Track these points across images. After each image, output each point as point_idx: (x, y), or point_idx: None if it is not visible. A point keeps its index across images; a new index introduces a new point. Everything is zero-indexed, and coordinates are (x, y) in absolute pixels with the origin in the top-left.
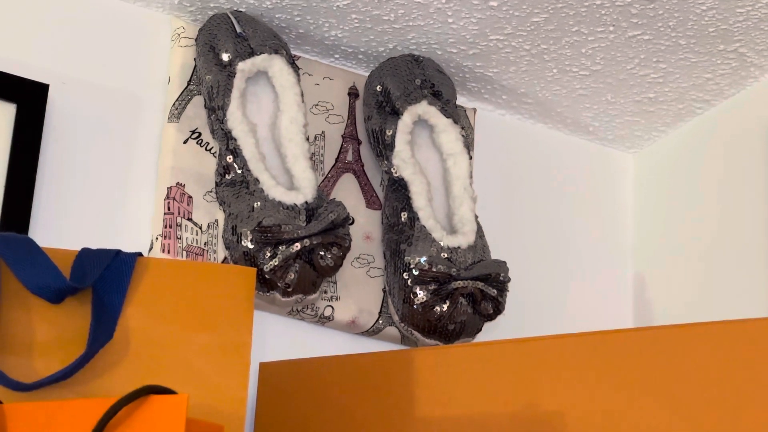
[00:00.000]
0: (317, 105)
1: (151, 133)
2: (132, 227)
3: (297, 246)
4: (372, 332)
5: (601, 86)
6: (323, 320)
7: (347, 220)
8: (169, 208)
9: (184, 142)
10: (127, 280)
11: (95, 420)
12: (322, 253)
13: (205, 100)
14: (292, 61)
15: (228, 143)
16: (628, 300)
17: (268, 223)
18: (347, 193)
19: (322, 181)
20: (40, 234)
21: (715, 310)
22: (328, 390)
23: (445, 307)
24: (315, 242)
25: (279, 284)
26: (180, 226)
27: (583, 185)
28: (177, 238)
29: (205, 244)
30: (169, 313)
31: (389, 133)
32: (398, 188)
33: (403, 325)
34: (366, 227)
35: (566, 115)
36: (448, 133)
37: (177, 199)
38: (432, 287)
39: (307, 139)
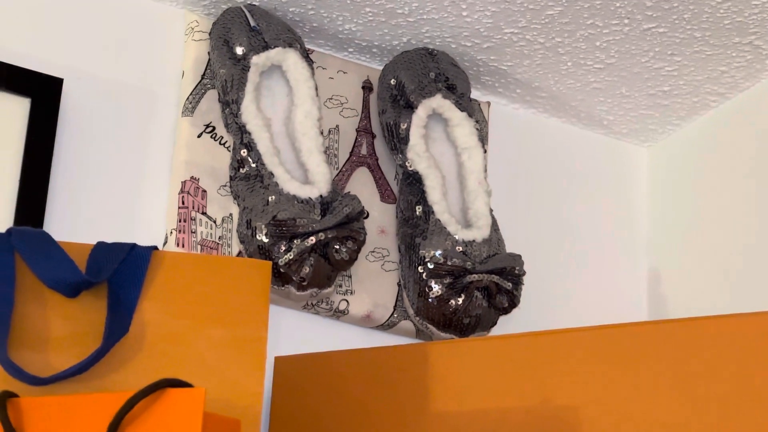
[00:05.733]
0: (331, 99)
1: (165, 128)
2: (146, 221)
3: (312, 240)
4: (387, 326)
5: (615, 80)
6: (338, 314)
7: (362, 214)
8: (183, 203)
9: (198, 136)
10: (142, 274)
11: (112, 413)
12: (337, 247)
13: (219, 94)
14: (306, 55)
15: (242, 137)
16: (643, 294)
17: (282, 216)
18: (362, 186)
19: (337, 175)
20: (54, 228)
21: (729, 303)
22: (343, 384)
23: (460, 300)
24: (330, 236)
25: (294, 278)
26: (194, 220)
27: (598, 179)
28: (191, 232)
29: (219, 238)
30: (184, 307)
31: (404, 126)
32: (413, 182)
33: (418, 318)
34: (380, 221)
35: (580, 108)
36: (462, 126)
37: (191, 193)
38: (447, 281)
39: (322, 132)
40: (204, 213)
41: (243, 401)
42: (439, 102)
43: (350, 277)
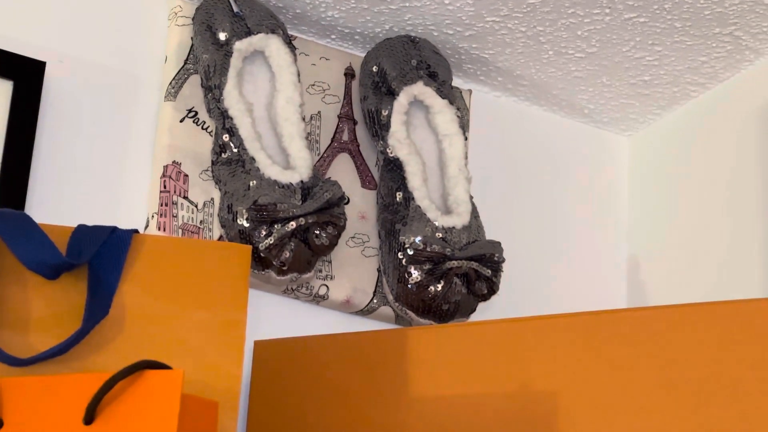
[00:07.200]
0: (313, 85)
1: (147, 112)
2: (128, 205)
3: (292, 225)
4: (366, 311)
5: (596, 69)
6: (318, 299)
7: (342, 200)
8: (165, 186)
9: (181, 121)
10: (123, 256)
11: (91, 394)
12: (318, 232)
13: (201, 79)
14: (288, 41)
15: (224, 122)
16: (622, 281)
17: (263, 201)
18: (343, 172)
19: (318, 160)
20: (36, 210)
21: (708, 292)
22: (322, 368)
23: (440, 287)
24: (310, 221)
25: (274, 263)
26: (176, 204)
27: (578, 167)
28: (173, 216)
29: (200, 222)
30: (164, 289)
31: (385, 113)
32: (393, 168)
33: (397, 304)
34: (361, 207)
35: (561, 97)
36: (443, 114)
37: (173, 178)
38: (426, 267)
39: (303, 118)
40: (185, 197)
41: (221, 384)
42: (420, 89)
43: (330, 262)
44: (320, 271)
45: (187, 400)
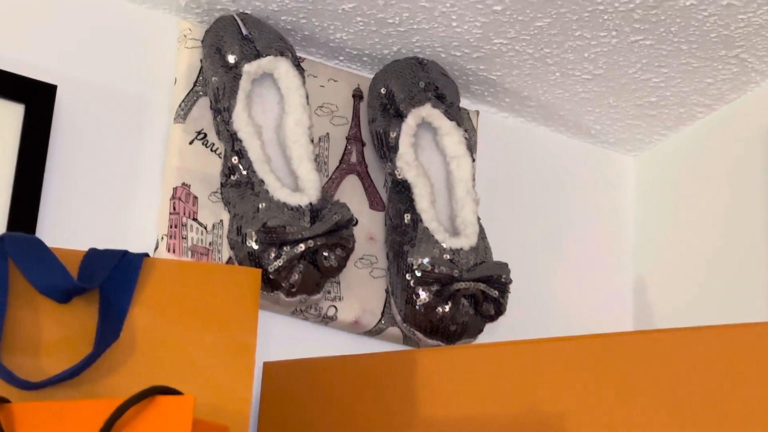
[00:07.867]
0: (322, 107)
1: (157, 134)
2: (138, 227)
3: (301, 247)
4: (374, 332)
5: (603, 90)
6: (326, 320)
7: (351, 222)
8: (174, 208)
9: (190, 143)
10: (134, 280)
11: (102, 420)
12: (326, 254)
13: (211, 101)
14: (297, 63)
15: (233, 144)
16: (629, 302)
17: (273, 224)
18: (351, 194)
19: (326, 182)
20: (47, 234)
21: (715, 313)
22: (330, 390)
23: (447, 308)
24: (319, 243)
25: (283, 284)
26: (185, 226)
27: (585, 188)
28: (182, 237)
29: (210, 244)
30: (175, 313)
31: (393, 135)
32: (402, 190)
33: (405, 325)
34: (369, 228)
35: (568, 118)
36: (451, 135)
37: (182, 199)
38: (434, 288)
39: (312, 140)
40: (195, 219)
41: (232, 406)
42: (428, 111)
43: (339, 283)
44: (329, 292)
45: (198, 425)
